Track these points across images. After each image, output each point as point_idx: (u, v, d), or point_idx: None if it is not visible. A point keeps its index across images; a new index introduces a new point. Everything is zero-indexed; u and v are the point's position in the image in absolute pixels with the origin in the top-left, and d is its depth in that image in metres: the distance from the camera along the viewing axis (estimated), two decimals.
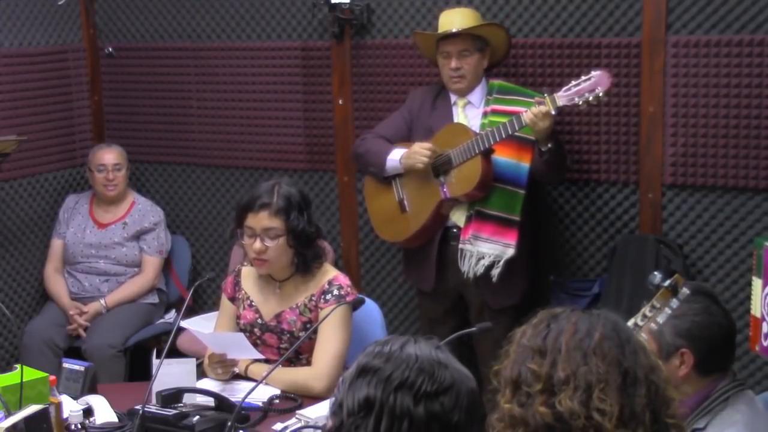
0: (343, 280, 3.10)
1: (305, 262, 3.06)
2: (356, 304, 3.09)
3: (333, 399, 1.60)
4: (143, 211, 4.59)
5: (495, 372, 1.74)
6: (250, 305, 3.16)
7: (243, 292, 3.19)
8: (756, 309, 2.63)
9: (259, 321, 3.13)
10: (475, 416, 1.59)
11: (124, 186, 4.58)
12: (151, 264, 4.55)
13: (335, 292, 3.05)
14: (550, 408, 1.64)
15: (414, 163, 3.75)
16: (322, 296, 3.06)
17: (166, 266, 4.71)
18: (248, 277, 3.19)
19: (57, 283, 4.54)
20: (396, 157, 3.83)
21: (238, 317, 3.18)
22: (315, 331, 3.02)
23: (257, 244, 3.00)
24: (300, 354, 3.08)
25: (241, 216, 3.05)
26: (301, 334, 3.04)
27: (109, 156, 4.55)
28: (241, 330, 3.14)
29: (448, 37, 3.72)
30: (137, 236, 4.54)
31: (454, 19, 3.75)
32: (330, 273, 3.11)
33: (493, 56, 3.82)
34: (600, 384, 1.62)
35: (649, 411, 1.64)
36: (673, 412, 1.68)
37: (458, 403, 1.56)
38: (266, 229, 3.00)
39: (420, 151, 3.72)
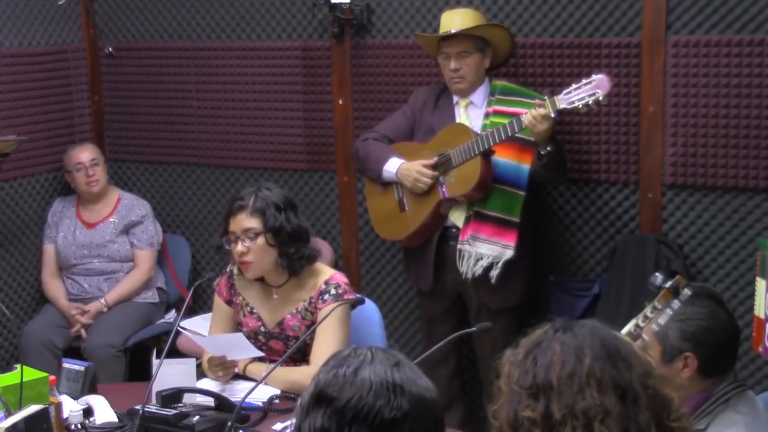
0: (340, 278, 3.09)
1: (290, 261, 3.03)
2: (355, 304, 3.08)
3: (293, 422, 1.58)
4: (129, 205, 4.57)
5: (493, 413, 1.68)
6: (251, 312, 3.15)
7: (241, 297, 3.18)
8: (760, 310, 2.62)
9: (262, 329, 3.12)
10: None
11: (105, 181, 4.56)
12: (144, 258, 4.54)
13: (332, 291, 3.04)
14: None
15: (415, 186, 3.76)
16: (320, 297, 3.05)
17: (167, 266, 4.70)
18: (246, 284, 3.18)
19: (54, 287, 4.53)
20: (392, 168, 3.83)
21: (240, 324, 3.17)
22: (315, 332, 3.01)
23: (239, 247, 3.01)
24: (306, 356, 3.07)
25: (225, 223, 3.06)
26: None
27: (85, 153, 4.54)
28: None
29: (448, 37, 3.72)
30: (126, 231, 4.53)
31: (453, 20, 3.75)
32: (326, 273, 3.10)
33: (497, 56, 3.82)
34: (599, 416, 1.57)
35: (653, 424, 1.60)
36: (676, 415, 1.64)
37: (415, 429, 1.54)
38: (245, 230, 3.00)
39: (422, 180, 3.73)
